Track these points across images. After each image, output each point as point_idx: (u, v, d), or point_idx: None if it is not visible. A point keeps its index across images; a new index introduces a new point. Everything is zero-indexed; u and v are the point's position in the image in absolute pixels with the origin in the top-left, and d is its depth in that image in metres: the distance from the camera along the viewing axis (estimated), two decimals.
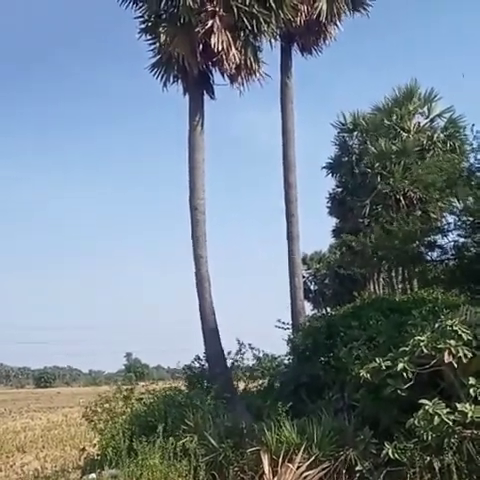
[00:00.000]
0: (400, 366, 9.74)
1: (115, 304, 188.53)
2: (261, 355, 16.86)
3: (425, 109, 25.57)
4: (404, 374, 9.73)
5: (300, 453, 10.47)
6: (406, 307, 13.51)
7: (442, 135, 25.11)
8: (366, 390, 10.88)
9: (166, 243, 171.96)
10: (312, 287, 39.32)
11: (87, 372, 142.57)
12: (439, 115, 25.60)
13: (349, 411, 11.54)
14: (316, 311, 34.14)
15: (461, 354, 9.53)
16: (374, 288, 29.25)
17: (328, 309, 31.70)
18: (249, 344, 16.54)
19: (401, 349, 10.07)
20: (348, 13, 19.27)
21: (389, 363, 10.05)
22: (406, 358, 9.80)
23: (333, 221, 31.85)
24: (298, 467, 10.29)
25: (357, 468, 10.29)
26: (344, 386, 12.11)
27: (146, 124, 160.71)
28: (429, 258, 17.37)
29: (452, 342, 9.61)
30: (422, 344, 9.73)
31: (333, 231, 32.62)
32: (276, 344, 18.07)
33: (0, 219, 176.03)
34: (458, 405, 9.39)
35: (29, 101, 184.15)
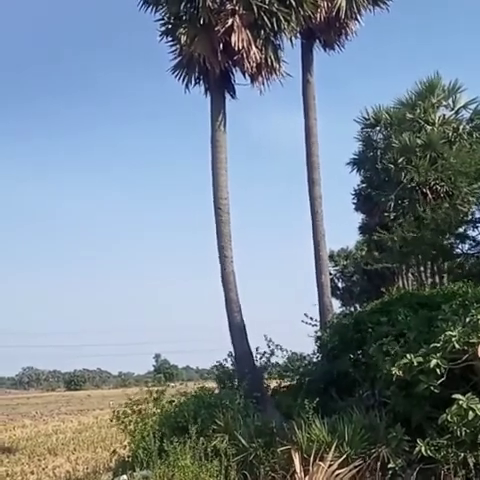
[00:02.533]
0: (433, 362, 9.60)
1: (143, 307, 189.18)
2: (289, 354, 16.75)
3: (449, 101, 25.28)
4: (437, 370, 9.60)
5: (331, 451, 10.37)
6: (435, 302, 13.32)
7: (468, 127, 24.83)
8: (397, 387, 10.75)
9: (192, 245, 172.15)
10: (340, 284, 39.08)
11: (117, 374, 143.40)
12: (464, 106, 25.30)
13: (380, 408, 11.41)
14: (344, 308, 33.96)
15: None
16: (403, 283, 29.01)
17: (357, 306, 31.59)
18: (277, 345, 16.47)
19: (432, 345, 9.92)
20: (369, 8, 19.08)
21: (421, 359, 9.91)
22: (438, 354, 9.67)
23: (359, 217, 31.69)
24: (330, 465, 10.20)
25: (389, 466, 10.18)
26: (374, 383, 11.98)
27: (167, 125, 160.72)
28: (460, 251, 17.13)
29: None
30: (454, 339, 9.58)
31: (360, 227, 32.47)
32: (302, 342, 18.01)
33: (20, 221, 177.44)
34: None
35: (57, 102, 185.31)
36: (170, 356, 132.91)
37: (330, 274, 25.83)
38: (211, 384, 16.10)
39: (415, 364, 9.99)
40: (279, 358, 16.62)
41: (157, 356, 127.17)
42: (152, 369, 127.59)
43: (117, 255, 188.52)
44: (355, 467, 10.19)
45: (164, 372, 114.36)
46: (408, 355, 10.16)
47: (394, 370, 10.25)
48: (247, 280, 15.36)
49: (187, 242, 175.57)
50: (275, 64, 16.36)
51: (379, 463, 10.23)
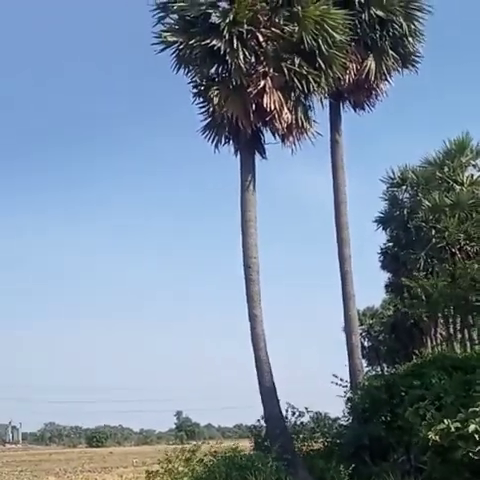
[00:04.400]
0: (472, 428, 9.47)
1: (167, 364, 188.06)
2: (320, 416, 16.55)
3: (478, 161, 25.34)
4: (475, 435, 9.43)
5: None
6: (470, 364, 13.17)
7: None
8: (434, 452, 10.59)
9: (216, 303, 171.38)
10: (366, 343, 38.71)
11: (138, 431, 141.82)
12: None
13: (416, 475, 11.23)
14: (370, 368, 33.57)
15: None
16: (432, 343, 28.66)
17: (384, 366, 31.20)
18: (306, 408, 16.31)
19: (471, 409, 9.79)
20: (398, 69, 19.31)
21: (459, 424, 9.78)
22: (477, 419, 9.52)
23: (385, 276, 31.55)
24: None
25: None
26: (410, 448, 11.83)
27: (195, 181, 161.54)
28: None
29: None
30: None
31: (386, 286, 32.29)
32: (327, 403, 17.84)
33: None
34: None
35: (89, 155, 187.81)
36: (192, 414, 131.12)
37: None
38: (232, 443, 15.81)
39: (453, 430, 9.86)
40: (309, 421, 16.48)
41: (178, 413, 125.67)
42: (174, 426, 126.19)
43: (145, 312, 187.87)
44: None
45: (186, 430, 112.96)
46: (445, 420, 10.05)
47: (431, 435, 10.10)
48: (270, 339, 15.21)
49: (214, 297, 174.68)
50: (306, 124, 16.52)
51: None
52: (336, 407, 16.39)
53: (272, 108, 15.68)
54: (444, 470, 10.47)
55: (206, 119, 16.88)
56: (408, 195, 27.46)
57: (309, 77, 15.90)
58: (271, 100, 15.66)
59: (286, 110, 15.98)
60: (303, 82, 15.92)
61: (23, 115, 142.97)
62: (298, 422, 16.22)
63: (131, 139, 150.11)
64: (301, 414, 16.18)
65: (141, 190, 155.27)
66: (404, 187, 27.39)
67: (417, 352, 22.17)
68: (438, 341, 28.75)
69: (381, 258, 29.94)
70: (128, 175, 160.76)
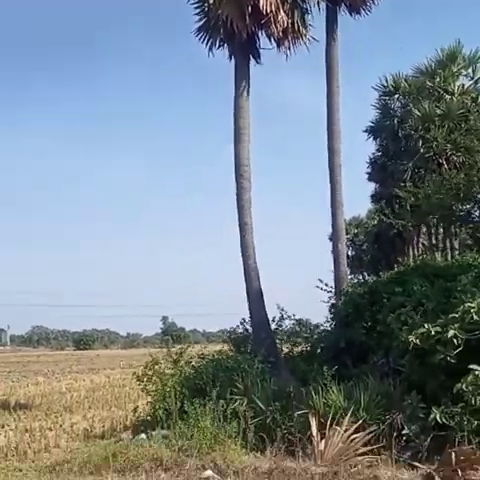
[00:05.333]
0: (451, 333, 9.81)
1: (154, 271, 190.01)
2: (302, 321, 17.01)
3: (469, 70, 24.97)
4: (454, 340, 9.80)
5: (347, 416, 10.65)
6: (451, 272, 13.48)
7: None
8: (413, 355, 10.98)
9: (207, 211, 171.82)
10: (349, 252, 39.22)
11: (125, 335, 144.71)
12: None
13: (394, 376, 11.66)
14: (353, 276, 34.12)
15: None
16: (413, 252, 29.06)
17: (366, 274, 31.73)
18: (293, 315, 16.73)
19: (451, 315, 10.13)
20: None
21: (438, 329, 10.13)
22: (456, 325, 9.87)
23: (371, 186, 31.60)
24: (346, 430, 10.48)
25: (404, 432, 10.46)
26: (389, 351, 12.23)
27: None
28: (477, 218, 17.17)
29: None
30: (473, 310, 9.78)
31: (372, 196, 32.36)
32: (311, 309, 18.31)
33: None
34: None
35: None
36: (177, 319, 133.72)
37: None
38: (218, 347, 16.26)
39: (433, 334, 10.21)
40: (289, 324, 16.94)
41: (164, 318, 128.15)
42: (160, 331, 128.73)
43: (134, 220, 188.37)
44: (370, 432, 10.47)
45: (171, 334, 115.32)
46: (426, 325, 10.38)
47: (411, 338, 10.46)
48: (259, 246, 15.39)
49: (202, 208, 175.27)
50: (302, 29, 16.27)
51: (393, 429, 10.50)
52: (319, 315, 16.84)
53: (268, 10, 15.38)
54: (421, 372, 10.88)
55: (201, 20, 16.58)
56: (399, 104, 27.09)
57: None
58: (267, 2, 15.37)
59: (282, 13, 15.68)
60: None
61: None
62: (280, 326, 16.65)
63: None
64: (283, 317, 16.57)
65: None
66: (396, 96, 26.98)
67: (399, 260, 22.63)
68: (420, 250, 29.14)
69: (369, 169, 29.88)
70: None
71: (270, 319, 16.22)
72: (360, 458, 10.26)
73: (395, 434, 10.47)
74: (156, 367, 13.54)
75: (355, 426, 10.53)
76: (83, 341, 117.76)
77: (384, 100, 27.32)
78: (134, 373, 14.20)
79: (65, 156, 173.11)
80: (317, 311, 16.71)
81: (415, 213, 23.97)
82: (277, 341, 16.23)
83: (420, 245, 29.64)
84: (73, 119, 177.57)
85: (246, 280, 15.63)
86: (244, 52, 16.46)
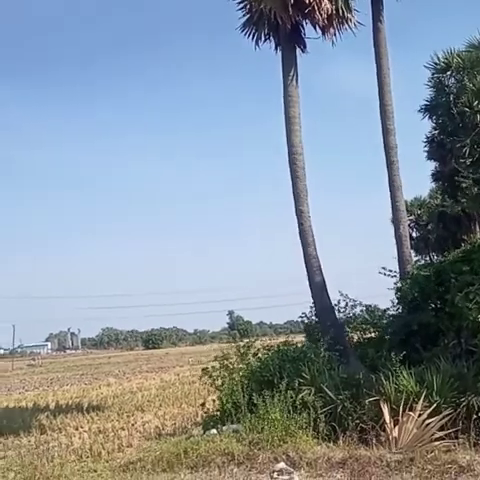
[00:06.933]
0: None
1: (218, 265, 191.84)
2: (370, 307, 16.72)
3: None
4: None
5: (420, 401, 10.41)
6: None
7: None
8: None
9: (266, 203, 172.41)
10: (414, 234, 38.52)
11: (192, 332, 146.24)
12: None
13: (467, 357, 11.36)
14: (420, 257, 33.51)
15: None
16: None
17: (433, 255, 31.08)
18: (360, 301, 16.48)
19: None
20: None
21: None
22: None
23: (432, 165, 30.90)
24: (420, 415, 10.25)
25: None
26: (460, 332, 11.91)
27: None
28: None
29: None
30: None
31: (432, 175, 31.65)
32: (379, 294, 17.96)
33: None
34: None
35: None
36: (244, 312, 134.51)
37: None
38: (285, 338, 16.17)
39: None
40: (358, 311, 16.67)
41: (231, 313, 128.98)
42: (226, 326, 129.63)
43: (189, 217, 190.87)
44: (445, 416, 10.21)
45: (238, 328, 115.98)
46: None
47: None
48: (323, 235, 15.19)
49: (262, 201, 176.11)
50: (346, 14, 15.99)
51: (470, 411, 10.20)
52: (387, 301, 16.52)
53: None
54: None
55: (244, 16, 16.52)
56: (454, 80, 26.43)
57: None
58: None
59: (326, 0, 15.41)
60: None
61: None
62: (350, 313, 16.43)
63: None
64: (353, 305, 16.36)
65: None
66: (449, 72, 26.34)
67: (466, 239, 22.01)
68: None
69: (427, 147, 29.24)
70: None
71: (339, 306, 16.10)
72: (436, 443, 10.03)
73: (473, 417, 10.19)
74: (225, 362, 13.53)
75: (429, 411, 10.30)
76: (152, 340, 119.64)
77: (437, 77, 26.59)
78: (203, 369, 14.22)
79: None
80: (387, 297, 16.35)
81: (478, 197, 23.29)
82: (347, 329, 16.02)
83: None
84: None
85: (307, 268, 15.44)
86: (290, 43, 16.27)
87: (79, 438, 15.92)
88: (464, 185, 23.30)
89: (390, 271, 16.01)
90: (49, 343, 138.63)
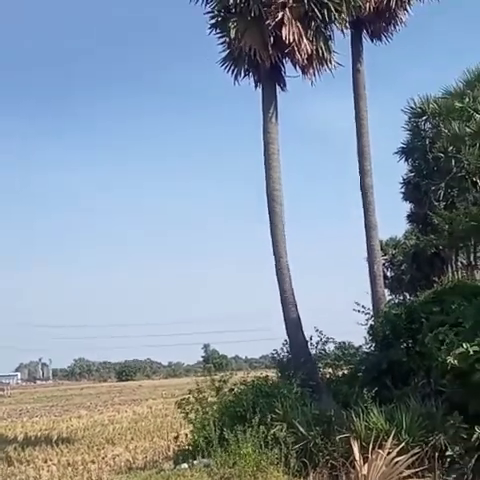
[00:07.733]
0: None
1: (192, 298, 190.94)
2: (343, 344, 16.90)
3: None
4: None
5: (390, 439, 10.55)
6: None
7: None
8: (453, 376, 10.89)
9: (242, 239, 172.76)
10: (388, 273, 38.94)
11: (166, 364, 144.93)
12: None
13: (436, 397, 11.54)
14: (393, 297, 33.87)
15: None
16: (452, 271, 28.80)
17: (406, 294, 31.44)
18: (328, 338, 16.63)
19: None
20: None
21: (477, 348, 10.04)
22: None
23: (407, 207, 31.50)
24: (389, 453, 10.39)
25: (447, 453, 10.35)
26: (430, 372, 12.12)
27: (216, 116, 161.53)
28: None
29: None
30: None
31: (408, 216, 32.25)
32: (349, 331, 18.18)
33: None
34: None
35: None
36: (219, 346, 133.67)
37: None
38: (260, 373, 16.24)
39: (471, 353, 10.12)
40: (331, 347, 16.84)
41: (206, 346, 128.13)
42: (201, 359, 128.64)
43: (166, 247, 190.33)
44: (413, 454, 10.37)
45: (213, 362, 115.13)
46: (464, 344, 10.29)
47: (449, 359, 10.39)
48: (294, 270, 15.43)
49: (238, 233, 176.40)
50: (326, 55, 16.31)
51: (437, 450, 10.38)
52: (359, 337, 16.73)
53: (291, 40, 15.47)
54: (462, 392, 10.79)
55: (225, 51, 16.75)
56: (430, 125, 27.13)
57: (330, 6, 15.61)
58: (290, 32, 15.44)
59: (306, 41, 15.76)
60: (324, 11, 15.65)
61: None
62: (323, 350, 16.57)
63: None
64: (326, 341, 16.49)
65: None
66: (425, 117, 27.04)
67: (437, 280, 22.41)
68: (458, 269, 28.87)
69: (403, 189, 29.81)
70: None
71: (312, 342, 16.20)
72: None
73: (439, 456, 10.37)
74: (199, 395, 13.58)
75: (398, 449, 10.44)
76: (125, 372, 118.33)
77: (414, 121, 27.35)
78: (176, 402, 14.27)
79: None
80: (358, 333, 16.59)
81: (451, 236, 23.82)
82: (320, 365, 16.16)
83: (459, 263, 29.36)
84: None
85: (282, 304, 15.63)
86: (270, 80, 16.59)
87: (47, 471, 15.78)
88: (436, 222, 23.86)
89: (363, 307, 16.21)
90: (19, 373, 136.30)
